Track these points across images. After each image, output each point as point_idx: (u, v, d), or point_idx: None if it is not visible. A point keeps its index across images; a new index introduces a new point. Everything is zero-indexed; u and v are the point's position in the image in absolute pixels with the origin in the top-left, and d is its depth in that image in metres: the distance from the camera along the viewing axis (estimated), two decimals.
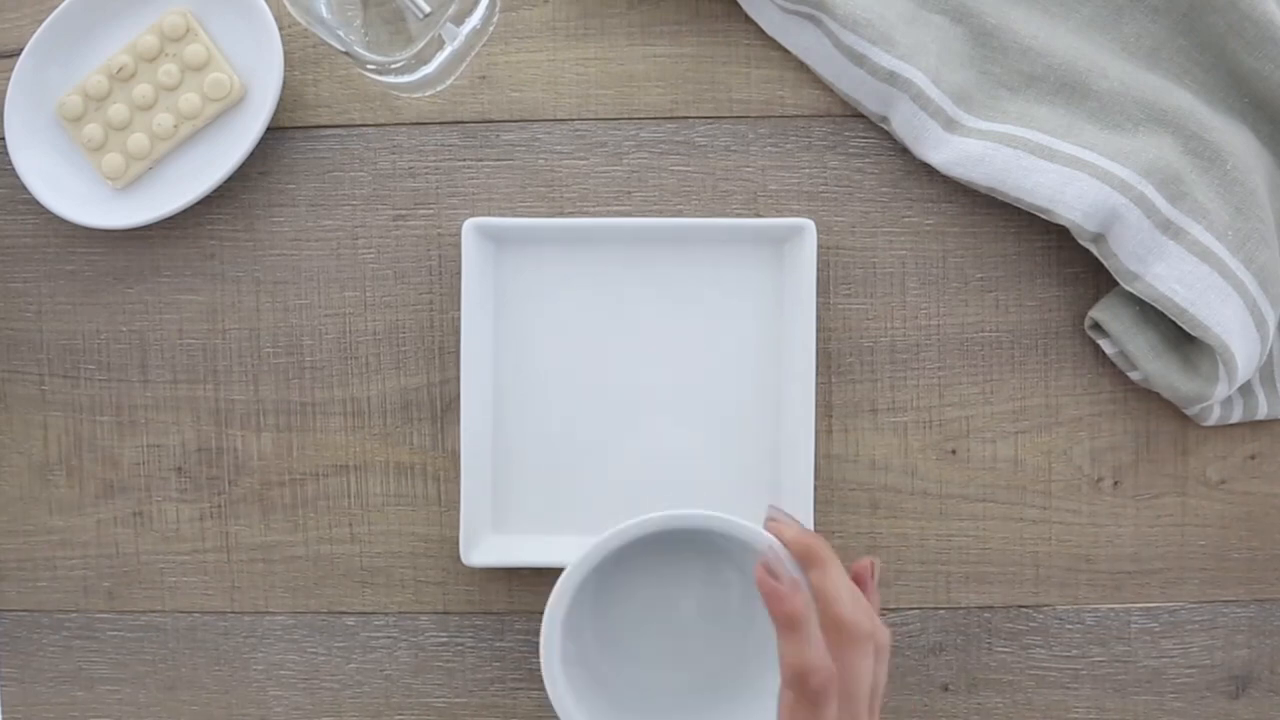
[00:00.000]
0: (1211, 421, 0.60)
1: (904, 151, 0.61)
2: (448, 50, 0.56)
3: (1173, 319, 0.56)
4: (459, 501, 0.60)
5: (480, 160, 0.61)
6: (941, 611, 0.61)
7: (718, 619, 0.58)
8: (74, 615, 0.62)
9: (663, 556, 0.58)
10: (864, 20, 0.58)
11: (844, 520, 0.61)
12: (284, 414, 0.61)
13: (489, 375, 0.60)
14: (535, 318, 0.60)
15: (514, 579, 0.62)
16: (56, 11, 0.59)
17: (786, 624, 0.45)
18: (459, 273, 0.60)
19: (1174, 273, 0.56)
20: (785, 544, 0.49)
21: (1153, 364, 0.58)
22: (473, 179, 0.61)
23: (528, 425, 0.60)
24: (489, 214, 0.61)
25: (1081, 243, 0.57)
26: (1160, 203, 0.56)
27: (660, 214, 0.61)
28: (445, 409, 0.61)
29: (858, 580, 0.50)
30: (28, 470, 0.62)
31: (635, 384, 0.60)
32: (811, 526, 0.58)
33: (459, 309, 0.60)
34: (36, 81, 0.60)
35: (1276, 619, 0.61)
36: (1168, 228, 0.56)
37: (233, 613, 0.62)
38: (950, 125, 0.59)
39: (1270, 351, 0.60)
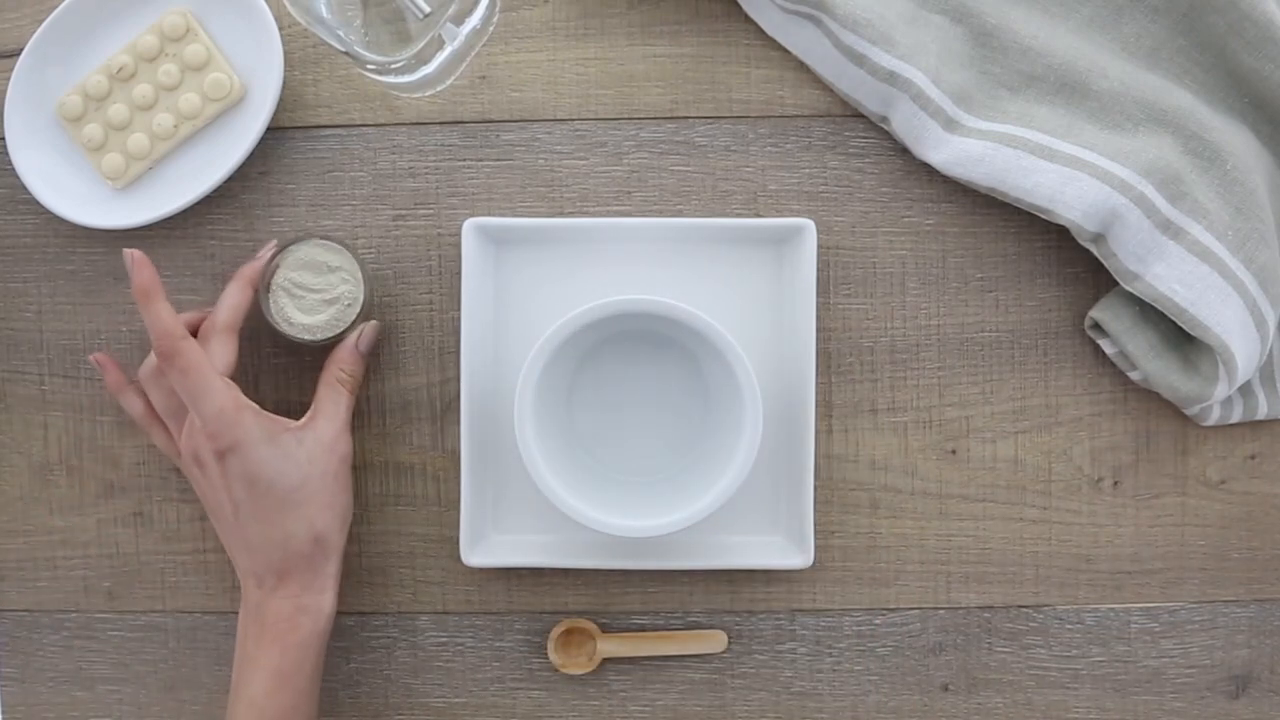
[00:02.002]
0: (1211, 421, 0.60)
1: (904, 151, 0.61)
2: (448, 50, 0.56)
3: (1173, 319, 0.56)
4: (459, 501, 0.60)
5: (480, 160, 0.61)
6: (941, 611, 0.61)
7: (686, 399, 0.60)
8: (74, 615, 0.62)
9: (646, 350, 0.60)
10: (864, 20, 0.58)
11: (844, 520, 0.61)
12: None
13: (489, 375, 0.60)
14: (535, 318, 0.60)
15: (514, 579, 0.62)
16: (56, 11, 0.59)
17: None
18: (459, 273, 0.60)
19: (1174, 273, 0.56)
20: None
21: (1153, 364, 0.58)
22: (473, 179, 0.61)
23: None
24: (489, 214, 0.61)
25: (1081, 243, 0.57)
26: (1160, 203, 0.56)
27: (660, 214, 0.61)
28: (445, 409, 0.61)
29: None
30: (28, 470, 0.62)
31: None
32: (812, 525, 0.58)
33: (459, 309, 0.60)
34: (36, 81, 0.60)
35: (1276, 619, 0.61)
36: (1168, 228, 0.56)
37: (233, 613, 0.62)
38: (950, 125, 0.59)
39: (1270, 351, 0.60)
